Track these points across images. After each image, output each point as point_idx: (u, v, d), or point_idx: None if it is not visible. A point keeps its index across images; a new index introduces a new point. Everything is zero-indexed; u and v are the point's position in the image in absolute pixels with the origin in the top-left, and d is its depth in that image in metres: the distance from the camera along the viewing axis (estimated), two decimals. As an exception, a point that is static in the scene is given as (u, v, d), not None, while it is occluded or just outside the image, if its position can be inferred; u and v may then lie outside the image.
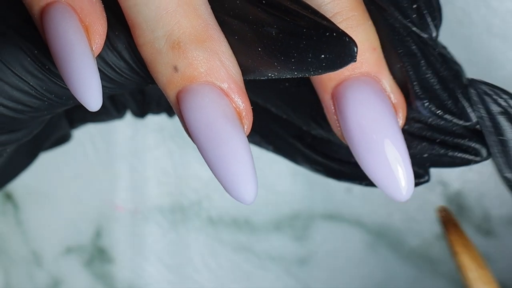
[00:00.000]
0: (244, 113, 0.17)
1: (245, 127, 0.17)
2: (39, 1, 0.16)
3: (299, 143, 0.21)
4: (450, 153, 0.19)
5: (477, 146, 0.19)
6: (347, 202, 0.33)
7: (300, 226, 0.33)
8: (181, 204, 0.34)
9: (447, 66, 0.18)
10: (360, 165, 0.17)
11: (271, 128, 0.22)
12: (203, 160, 0.16)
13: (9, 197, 0.35)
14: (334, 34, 0.14)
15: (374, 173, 0.17)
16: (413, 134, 0.19)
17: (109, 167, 0.34)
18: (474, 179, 0.32)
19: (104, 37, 0.16)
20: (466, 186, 0.32)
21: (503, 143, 0.18)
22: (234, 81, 0.16)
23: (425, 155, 0.19)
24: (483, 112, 0.18)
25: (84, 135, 0.34)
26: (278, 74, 0.16)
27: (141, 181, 0.33)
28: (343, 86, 0.17)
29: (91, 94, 0.15)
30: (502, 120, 0.18)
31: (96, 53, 0.16)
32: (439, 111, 0.18)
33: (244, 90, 0.16)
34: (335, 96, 0.18)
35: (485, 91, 0.18)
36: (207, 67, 0.16)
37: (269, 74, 0.16)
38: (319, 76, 0.17)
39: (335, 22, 0.15)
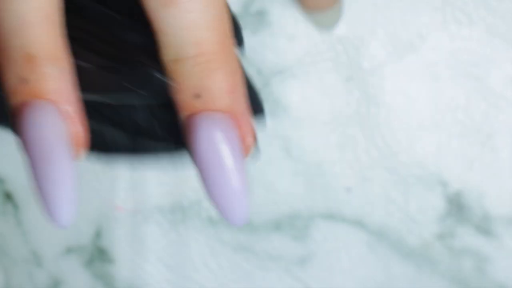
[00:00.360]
0: (81, 139, 0.17)
1: (80, 153, 0.17)
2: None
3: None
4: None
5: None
6: (347, 202, 0.33)
7: (300, 226, 0.33)
8: (181, 204, 0.34)
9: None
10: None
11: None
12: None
13: (9, 197, 0.35)
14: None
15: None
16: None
17: (109, 167, 0.34)
18: (474, 179, 0.32)
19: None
20: (466, 186, 0.32)
21: None
22: (77, 106, 0.17)
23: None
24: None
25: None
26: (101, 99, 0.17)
27: (141, 181, 0.33)
28: (195, 118, 0.17)
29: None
30: None
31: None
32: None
33: (85, 116, 0.17)
34: (187, 125, 0.18)
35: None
36: (56, 86, 0.16)
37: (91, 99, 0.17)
38: (176, 97, 0.19)
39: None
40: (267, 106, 0.32)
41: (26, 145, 0.16)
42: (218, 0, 0.17)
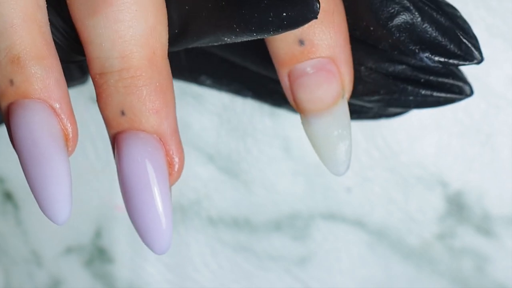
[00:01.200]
0: (70, 135, 0.17)
1: (70, 149, 0.17)
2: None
3: (280, 87, 0.21)
4: (435, 94, 0.19)
5: (461, 84, 0.19)
6: (347, 202, 0.33)
7: (300, 226, 0.33)
8: (181, 204, 0.34)
9: (442, 11, 0.18)
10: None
11: (250, 75, 0.22)
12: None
13: (9, 197, 0.35)
14: None
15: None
16: (397, 77, 0.19)
17: (109, 167, 0.34)
18: (474, 179, 0.32)
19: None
20: (466, 186, 0.32)
21: None
22: (66, 102, 0.17)
23: (410, 98, 0.19)
24: None
25: (84, 135, 0.34)
26: (236, 37, 0.16)
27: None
28: (119, 137, 0.17)
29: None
30: None
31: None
32: (443, 59, 0.18)
33: (73, 113, 0.17)
34: (113, 143, 0.18)
35: None
36: (42, 85, 0.16)
37: (226, 39, 0.16)
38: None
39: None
40: (267, 106, 0.32)
41: (19, 145, 0.16)
42: (153, 12, 0.16)
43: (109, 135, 0.17)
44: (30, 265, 0.35)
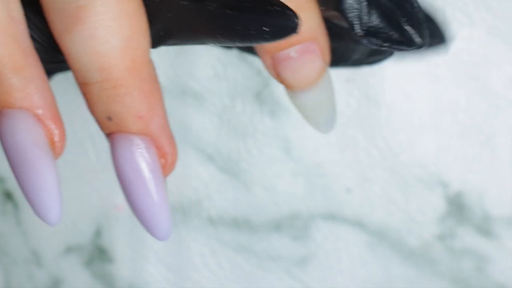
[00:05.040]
0: (56, 138, 0.17)
1: (57, 151, 0.18)
2: None
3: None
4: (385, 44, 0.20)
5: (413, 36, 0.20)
6: (347, 202, 0.33)
7: (300, 226, 0.33)
8: (181, 204, 0.34)
9: None
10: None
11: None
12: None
13: (9, 197, 0.35)
14: (276, 7, 0.15)
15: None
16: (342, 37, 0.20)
17: (109, 167, 0.34)
18: (474, 179, 0.32)
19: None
20: (466, 186, 0.32)
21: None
22: (49, 108, 0.17)
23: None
24: None
25: (84, 135, 0.34)
26: (220, 44, 0.17)
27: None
28: (111, 137, 0.18)
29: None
30: None
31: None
32: (386, 44, 0.19)
33: (58, 116, 0.17)
34: (109, 143, 0.19)
35: None
36: (22, 94, 0.16)
37: (211, 43, 0.17)
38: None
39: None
40: (267, 106, 0.32)
41: (7, 152, 0.17)
42: (129, 23, 0.16)
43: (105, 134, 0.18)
44: (30, 265, 0.35)
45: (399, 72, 0.31)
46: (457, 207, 0.32)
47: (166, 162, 0.18)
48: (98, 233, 0.35)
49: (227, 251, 0.34)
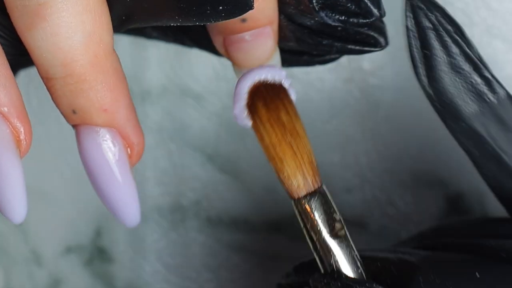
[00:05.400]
0: (23, 136, 0.18)
1: (23, 148, 0.18)
2: None
3: None
4: (350, 46, 0.20)
5: (376, 35, 0.20)
6: (347, 202, 0.33)
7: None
8: (180, 204, 0.34)
9: None
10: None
11: (193, 27, 0.23)
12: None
13: (9, 196, 0.35)
14: None
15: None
16: (313, 32, 0.20)
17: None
18: (474, 179, 0.32)
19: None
20: (466, 186, 0.32)
21: (426, 56, 0.18)
22: (15, 105, 0.17)
23: (326, 49, 0.20)
24: (411, 24, 0.18)
25: (84, 135, 0.34)
26: (180, 24, 0.17)
27: (140, 181, 0.33)
28: (76, 129, 0.18)
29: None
30: (430, 35, 0.19)
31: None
32: (343, 17, 0.18)
33: (25, 113, 0.18)
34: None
35: (419, 4, 0.19)
36: None
37: (171, 23, 0.17)
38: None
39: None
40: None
41: None
42: (90, 18, 0.17)
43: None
44: (30, 265, 0.35)
45: (399, 72, 0.31)
46: (457, 207, 0.32)
47: (132, 152, 0.18)
48: (98, 233, 0.35)
49: (227, 251, 0.34)
